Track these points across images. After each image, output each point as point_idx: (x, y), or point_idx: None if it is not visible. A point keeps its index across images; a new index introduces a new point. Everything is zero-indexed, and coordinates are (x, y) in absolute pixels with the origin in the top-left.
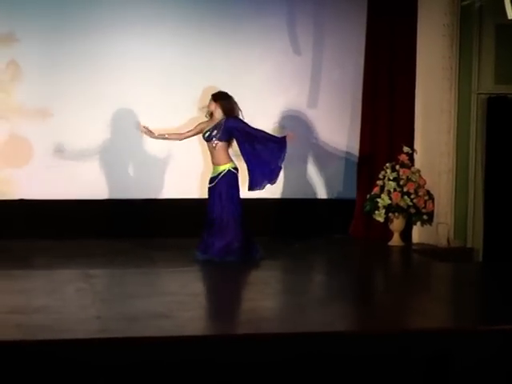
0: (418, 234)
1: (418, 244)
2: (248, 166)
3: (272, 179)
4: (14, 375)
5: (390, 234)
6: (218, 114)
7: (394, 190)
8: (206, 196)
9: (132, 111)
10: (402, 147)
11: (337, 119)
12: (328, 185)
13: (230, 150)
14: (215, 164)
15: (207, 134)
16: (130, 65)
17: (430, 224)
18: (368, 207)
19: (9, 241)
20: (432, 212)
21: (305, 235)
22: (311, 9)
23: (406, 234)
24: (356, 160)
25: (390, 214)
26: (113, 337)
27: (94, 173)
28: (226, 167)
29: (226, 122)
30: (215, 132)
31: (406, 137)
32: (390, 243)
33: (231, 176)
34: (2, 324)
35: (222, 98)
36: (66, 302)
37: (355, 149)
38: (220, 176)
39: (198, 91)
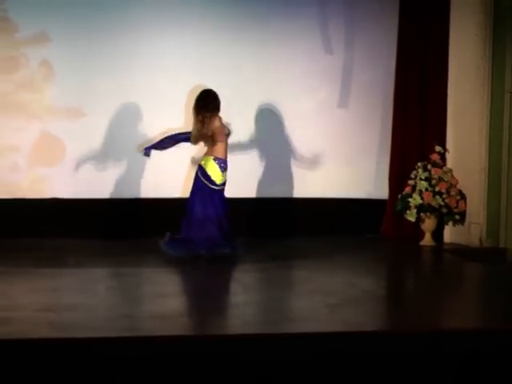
0: (449, 233)
1: (449, 244)
2: None
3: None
4: (44, 372)
5: (422, 234)
6: None
7: (426, 189)
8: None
9: (164, 110)
10: (433, 146)
11: (368, 119)
12: (359, 184)
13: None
14: None
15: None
16: (161, 64)
17: (462, 224)
18: (399, 207)
19: (41, 239)
20: (464, 212)
21: (336, 235)
22: (342, 9)
23: (437, 233)
24: (387, 159)
25: (422, 214)
26: (142, 335)
27: (125, 172)
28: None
29: None
30: None
31: (438, 136)
32: (422, 243)
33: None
34: (33, 321)
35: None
36: (96, 300)
37: (387, 148)
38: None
39: (228, 91)
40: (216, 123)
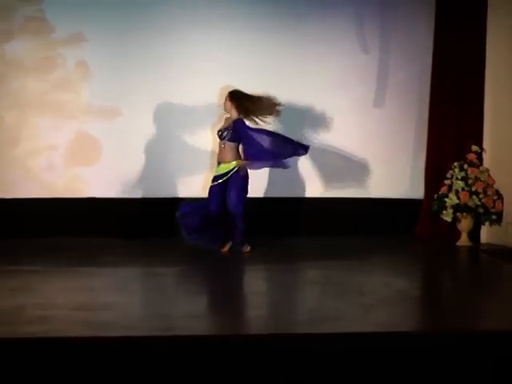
0: (486, 234)
1: (486, 244)
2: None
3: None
4: (80, 370)
5: (458, 234)
6: (233, 114)
7: (462, 189)
8: None
9: (199, 111)
10: (470, 146)
11: (403, 118)
12: (395, 184)
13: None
14: (223, 161)
15: (219, 133)
16: (198, 65)
17: (499, 224)
18: (435, 207)
19: (77, 238)
20: (501, 212)
21: (371, 235)
22: (378, 9)
23: (474, 234)
24: (423, 159)
25: (458, 214)
26: (177, 334)
27: (161, 172)
28: (236, 163)
29: (234, 123)
30: (226, 133)
31: (475, 136)
32: (458, 243)
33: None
34: (69, 320)
35: (238, 98)
36: (132, 299)
37: (422, 148)
38: (232, 171)
39: (265, 90)
40: None
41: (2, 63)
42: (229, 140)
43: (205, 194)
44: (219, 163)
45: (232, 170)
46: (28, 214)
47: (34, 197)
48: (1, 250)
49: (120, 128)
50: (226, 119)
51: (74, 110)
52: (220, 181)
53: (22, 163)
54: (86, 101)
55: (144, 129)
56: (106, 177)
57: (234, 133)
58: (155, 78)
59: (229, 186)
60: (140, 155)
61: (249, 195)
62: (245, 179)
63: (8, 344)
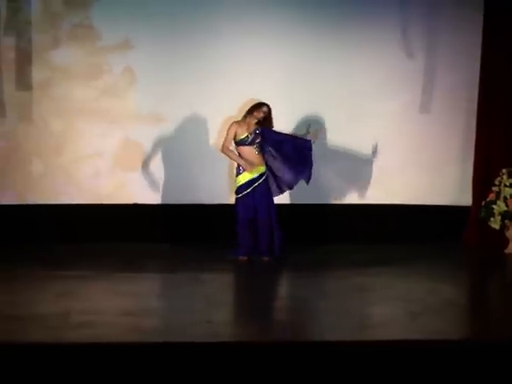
0: None
1: None
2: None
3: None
4: (125, 375)
5: (506, 242)
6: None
7: (511, 196)
8: None
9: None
10: None
11: (451, 124)
12: (442, 191)
13: None
14: (256, 165)
15: (249, 139)
16: (244, 69)
17: None
18: (483, 214)
19: (122, 244)
20: None
21: (419, 242)
22: (425, 12)
23: None
24: (471, 166)
25: (506, 221)
26: (223, 341)
27: (204, 177)
28: (264, 168)
29: (263, 131)
30: (258, 139)
31: None
32: (506, 251)
33: (266, 179)
34: (114, 326)
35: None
36: (177, 305)
37: (470, 155)
38: (263, 176)
39: (311, 94)
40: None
41: (49, 70)
42: (257, 144)
43: None
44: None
45: (263, 174)
46: (73, 219)
47: (80, 203)
48: (46, 256)
49: (165, 134)
50: (240, 126)
51: (119, 116)
52: (251, 188)
53: (67, 169)
54: (132, 107)
55: (189, 135)
56: (151, 183)
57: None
58: (200, 84)
59: (258, 193)
60: (185, 161)
61: (291, 202)
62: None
63: (53, 349)
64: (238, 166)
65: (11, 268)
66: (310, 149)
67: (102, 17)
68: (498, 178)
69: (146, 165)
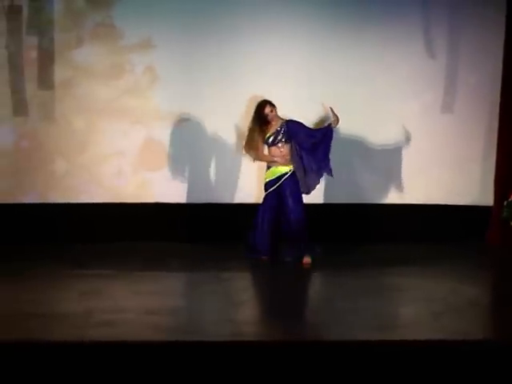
0: None
1: None
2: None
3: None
4: (147, 374)
5: None
6: (277, 120)
7: None
8: None
9: None
10: None
11: (473, 124)
12: (464, 190)
13: None
14: (282, 164)
15: (271, 139)
16: (265, 68)
17: None
18: (505, 214)
19: (145, 243)
20: None
21: (440, 242)
22: (447, 12)
23: None
24: (493, 166)
25: None
26: (245, 340)
27: (226, 177)
28: (291, 167)
29: (288, 125)
30: (280, 136)
31: None
32: None
33: (295, 175)
34: (136, 324)
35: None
36: (199, 304)
37: (492, 154)
38: (288, 175)
39: (332, 93)
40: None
41: (72, 69)
42: (285, 142)
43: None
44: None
45: (287, 173)
46: (95, 218)
47: (102, 201)
48: (69, 254)
49: (187, 133)
50: (262, 129)
51: (141, 115)
52: (276, 186)
53: (89, 168)
54: (154, 106)
55: (211, 134)
56: (173, 182)
57: (287, 135)
58: (222, 83)
59: (285, 193)
60: (207, 161)
61: (314, 201)
62: (298, 183)
63: (75, 348)
64: (268, 165)
65: (33, 267)
66: (331, 137)
67: (124, 16)
68: None
69: (167, 164)
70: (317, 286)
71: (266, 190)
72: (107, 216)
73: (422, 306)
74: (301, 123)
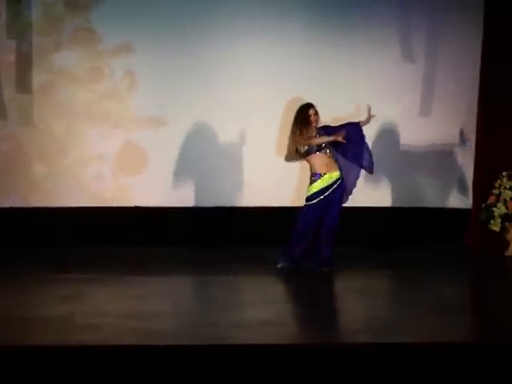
0: None
1: None
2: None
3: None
4: (129, 379)
5: (506, 244)
6: (317, 124)
7: (511, 199)
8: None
9: (247, 118)
10: None
11: (451, 128)
12: (442, 194)
13: None
14: (332, 171)
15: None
16: (245, 73)
17: None
18: (483, 216)
19: (124, 247)
20: None
21: (419, 244)
22: (425, 18)
23: None
24: (471, 168)
25: (506, 224)
26: (227, 344)
27: (207, 181)
28: (339, 174)
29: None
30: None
31: None
32: (507, 253)
33: (343, 181)
34: (118, 329)
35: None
36: (181, 308)
37: (470, 157)
38: (338, 182)
39: (311, 99)
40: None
41: (51, 73)
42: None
43: (250, 202)
44: (322, 174)
45: (338, 179)
46: (76, 222)
47: (83, 205)
48: (50, 259)
49: (166, 137)
50: (309, 131)
51: (121, 119)
52: (323, 196)
53: (70, 172)
54: (133, 111)
55: (190, 138)
56: (153, 186)
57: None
58: (201, 87)
59: (335, 198)
60: (185, 164)
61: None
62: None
63: (58, 352)
64: (313, 174)
65: (15, 271)
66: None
67: (102, 20)
68: (498, 181)
69: (147, 168)
70: (295, 290)
71: (310, 199)
72: (88, 220)
73: (404, 309)
74: (328, 125)
